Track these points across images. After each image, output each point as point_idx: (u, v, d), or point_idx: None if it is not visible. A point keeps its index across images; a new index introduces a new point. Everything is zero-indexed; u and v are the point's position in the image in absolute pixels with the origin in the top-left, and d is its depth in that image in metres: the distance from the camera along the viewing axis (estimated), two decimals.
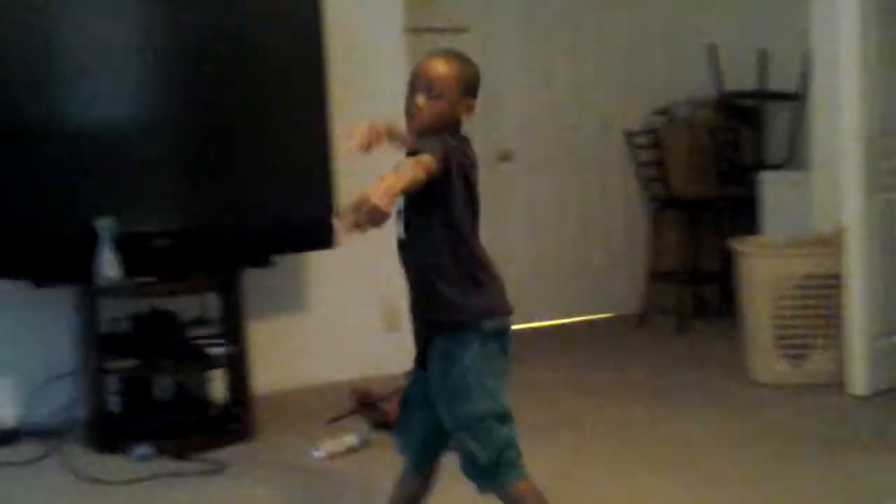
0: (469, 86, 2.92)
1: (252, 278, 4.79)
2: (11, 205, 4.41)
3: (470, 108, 2.93)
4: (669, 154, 6.70)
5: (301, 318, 5.39)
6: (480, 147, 6.41)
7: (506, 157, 6.76)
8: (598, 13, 7.07)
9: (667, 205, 6.74)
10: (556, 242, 7.05)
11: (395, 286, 5.62)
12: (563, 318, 7.03)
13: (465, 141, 2.92)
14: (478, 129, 6.44)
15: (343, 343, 5.53)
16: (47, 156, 4.44)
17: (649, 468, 4.06)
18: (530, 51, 6.87)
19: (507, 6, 6.77)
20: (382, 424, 4.62)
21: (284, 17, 4.94)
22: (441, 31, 6.50)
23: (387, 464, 4.16)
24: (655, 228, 6.84)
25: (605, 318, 7.18)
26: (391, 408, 4.64)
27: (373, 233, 5.34)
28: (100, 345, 4.44)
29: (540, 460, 4.14)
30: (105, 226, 4.38)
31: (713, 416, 4.75)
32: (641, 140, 6.90)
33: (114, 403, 4.58)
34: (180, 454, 4.29)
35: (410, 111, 2.89)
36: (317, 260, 5.36)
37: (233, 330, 4.59)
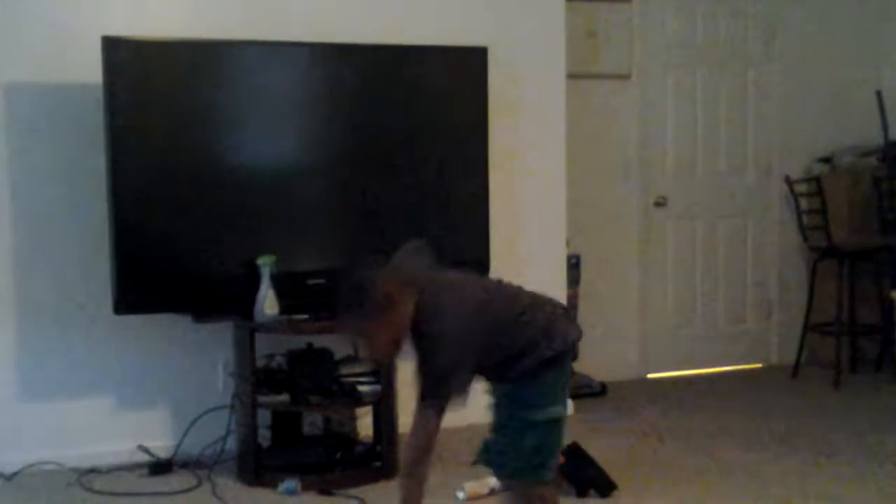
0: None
1: None
2: (177, 241, 4.61)
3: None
4: (831, 202, 6.55)
5: None
6: (635, 193, 6.51)
7: (660, 203, 6.71)
8: (761, 59, 6.97)
9: (826, 254, 6.57)
10: (709, 290, 6.94)
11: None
12: (715, 366, 6.91)
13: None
14: (634, 175, 6.53)
15: None
16: (214, 197, 4.65)
17: None
18: (691, 96, 6.81)
19: (668, 52, 6.73)
20: None
21: (449, 65, 5.06)
22: (602, 77, 6.52)
23: None
24: (814, 278, 6.67)
25: (758, 369, 7.03)
26: None
27: (520, 276, 5.40)
28: (254, 379, 4.57)
29: None
30: (265, 264, 4.54)
31: (869, 471, 4.62)
32: (802, 188, 6.75)
33: (264, 437, 4.70)
34: (325, 490, 4.39)
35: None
36: None
37: (383, 369, 4.66)
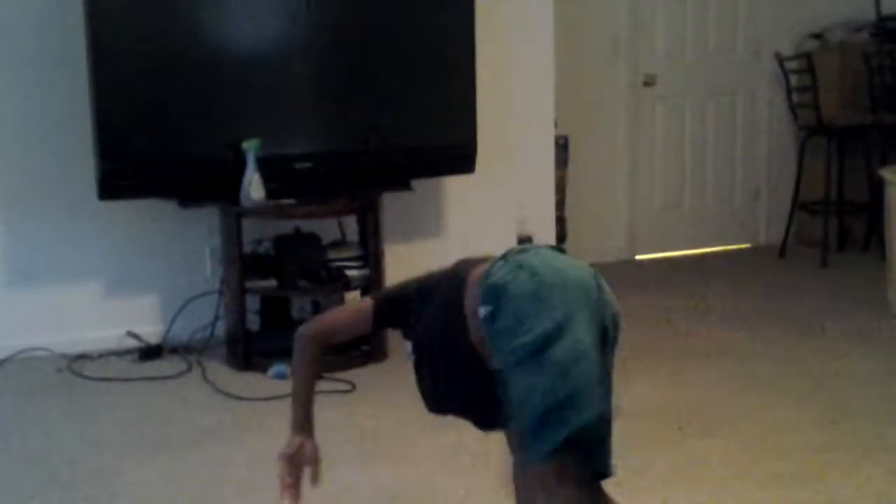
0: None
1: (390, 202, 4.85)
2: (161, 127, 4.54)
3: None
4: (822, 79, 6.48)
5: (437, 242, 5.42)
6: (624, 73, 6.44)
7: (649, 81, 6.63)
8: None
9: (816, 132, 6.53)
10: (698, 169, 6.90)
11: (530, 211, 5.67)
12: (703, 247, 6.93)
13: None
14: (622, 54, 6.45)
15: None
16: (196, 81, 4.57)
17: (787, 401, 4.04)
18: None
19: None
20: None
21: None
22: None
23: None
24: (803, 157, 6.64)
25: (746, 249, 7.05)
26: None
27: (509, 158, 5.39)
28: (241, 265, 4.56)
29: (678, 389, 4.19)
30: (250, 148, 4.48)
31: (853, 351, 4.66)
32: (792, 65, 6.68)
33: (253, 322, 4.71)
34: None
35: None
36: (453, 184, 5.39)
37: (371, 253, 4.66)
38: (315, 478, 2.60)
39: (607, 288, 2.47)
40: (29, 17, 4.66)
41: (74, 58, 4.50)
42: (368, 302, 2.67)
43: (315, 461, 2.61)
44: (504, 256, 2.33)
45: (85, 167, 4.55)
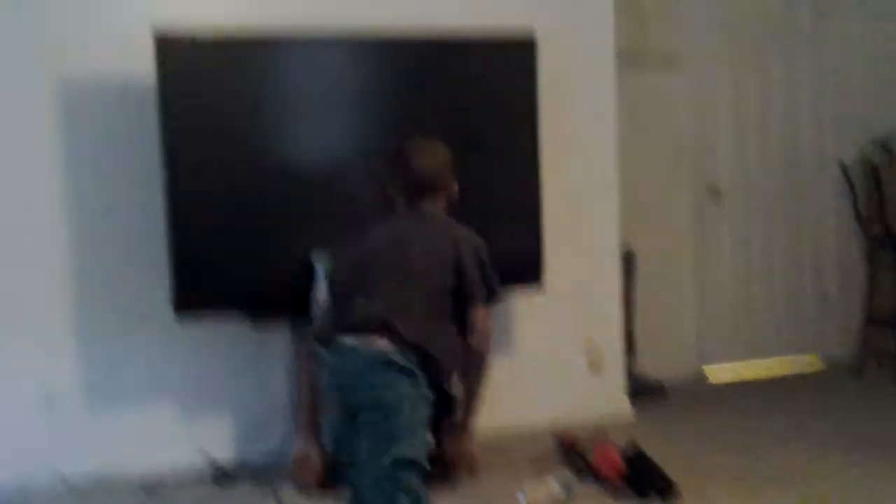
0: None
1: None
2: (234, 240, 4.59)
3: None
4: (888, 189, 6.44)
5: (505, 359, 5.41)
6: (688, 185, 6.44)
7: (715, 195, 6.63)
8: (813, 42, 6.87)
9: (884, 243, 6.48)
10: (766, 282, 6.87)
11: (599, 328, 5.64)
12: (773, 356, 6.84)
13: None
14: (686, 167, 6.46)
15: (547, 385, 5.54)
16: (268, 194, 4.64)
17: None
18: (742, 85, 6.73)
19: (719, 39, 6.65)
20: (585, 472, 4.61)
21: (497, 58, 4.99)
22: (653, 63, 6.44)
23: None
24: (872, 269, 6.57)
25: (819, 367, 6.88)
26: (594, 455, 4.63)
27: (578, 275, 5.37)
28: (314, 382, 4.56)
29: None
30: (320, 260, 4.52)
31: None
32: (858, 175, 6.65)
33: (327, 443, 4.69)
34: None
35: None
36: (522, 301, 5.40)
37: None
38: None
39: None
40: (105, 135, 4.78)
41: (148, 170, 4.61)
42: None
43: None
44: None
45: (159, 287, 4.61)
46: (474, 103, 4.96)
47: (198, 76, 4.51)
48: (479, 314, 3.62)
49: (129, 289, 4.83)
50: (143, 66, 4.47)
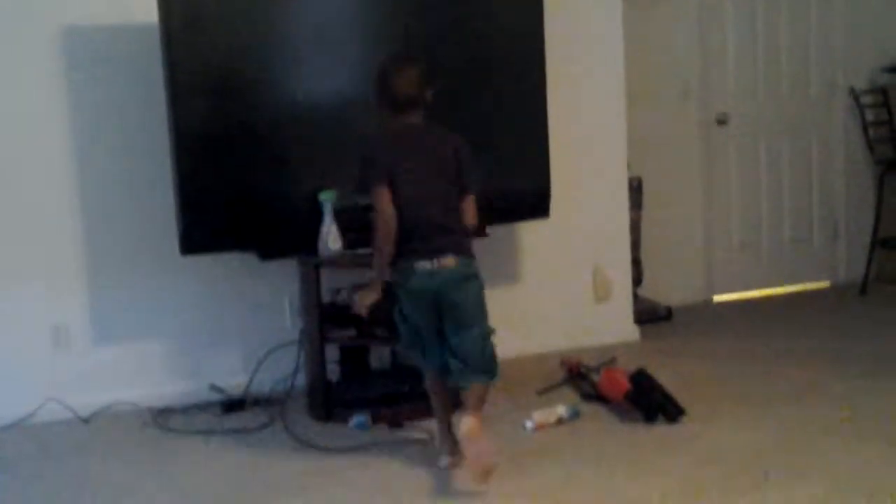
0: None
1: None
2: (239, 179, 4.61)
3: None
4: None
5: (513, 289, 5.45)
6: (696, 112, 6.42)
7: (722, 120, 6.60)
8: None
9: (893, 166, 6.46)
10: (773, 208, 6.84)
11: (606, 256, 5.66)
12: (781, 286, 6.86)
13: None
14: (693, 94, 6.44)
15: (554, 313, 5.57)
16: (273, 132, 4.64)
17: (875, 443, 3.97)
18: (749, 10, 6.67)
19: None
20: (592, 396, 4.65)
21: None
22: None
23: (596, 435, 4.24)
24: (881, 193, 6.56)
25: (826, 288, 6.94)
26: (601, 379, 4.67)
27: (582, 203, 5.40)
28: (320, 315, 4.60)
29: (761, 432, 4.15)
30: (327, 199, 4.54)
31: None
32: (868, 99, 6.62)
33: (333, 372, 4.75)
34: (395, 422, 4.44)
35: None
36: (528, 230, 5.41)
37: None
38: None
39: None
40: (110, 79, 4.78)
41: (153, 113, 4.60)
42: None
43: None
44: None
45: (165, 223, 4.65)
46: (482, 39, 4.94)
47: (200, 17, 4.48)
48: (473, 203, 3.97)
49: (136, 228, 4.86)
50: (144, 10, 4.47)
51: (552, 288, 5.57)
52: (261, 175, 4.64)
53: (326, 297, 4.70)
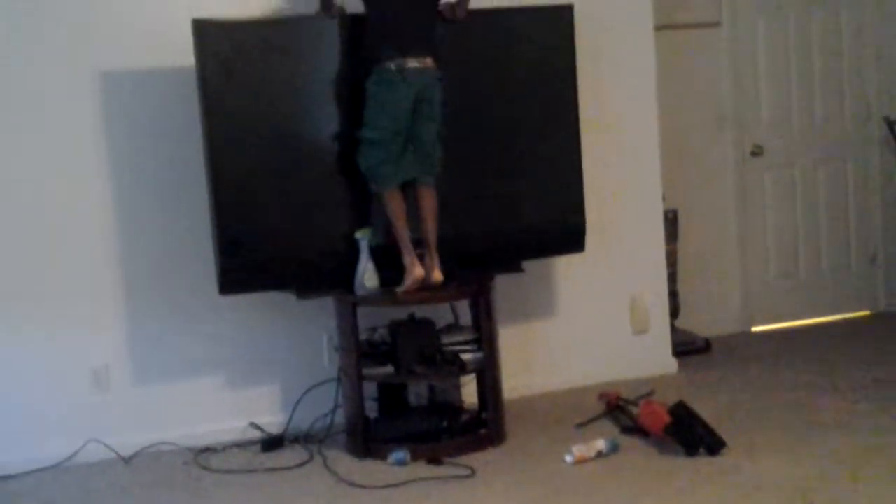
0: None
1: (502, 284, 4.88)
2: (277, 219, 4.65)
3: None
4: None
5: (550, 323, 5.45)
6: (730, 143, 6.39)
7: (757, 152, 6.58)
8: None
9: None
10: (810, 238, 6.79)
11: (643, 288, 5.65)
12: (820, 316, 6.79)
13: None
14: (727, 125, 6.42)
15: (591, 346, 5.55)
16: (310, 172, 4.68)
17: None
18: (782, 43, 6.66)
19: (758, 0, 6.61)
20: (632, 429, 4.63)
21: (536, 25, 5.01)
22: (690, 27, 6.40)
23: (637, 468, 4.21)
24: None
25: (865, 317, 6.87)
26: (641, 412, 4.65)
27: (618, 236, 5.38)
28: (358, 352, 4.62)
29: (802, 463, 4.11)
30: (363, 237, 4.58)
31: None
32: None
33: (371, 409, 4.75)
34: (434, 459, 4.43)
35: None
36: (564, 263, 5.40)
37: (485, 336, 4.68)
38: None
39: None
40: (148, 123, 4.84)
41: (191, 155, 4.64)
42: None
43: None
44: None
45: (204, 263, 4.67)
46: (515, 70, 4.97)
47: (235, 59, 4.54)
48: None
49: (175, 268, 4.88)
50: (181, 55, 4.53)
51: (589, 321, 5.55)
52: (297, 215, 4.68)
53: (364, 335, 4.72)
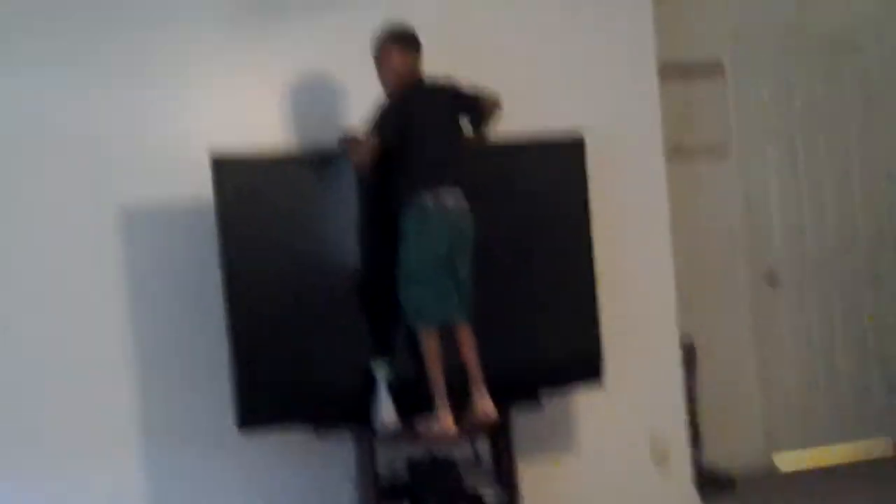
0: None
1: (520, 419, 4.83)
2: (294, 354, 4.59)
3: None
4: None
5: (568, 458, 5.37)
6: (744, 270, 6.37)
7: (772, 280, 6.58)
8: (862, 125, 6.87)
9: None
10: (829, 369, 6.78)
11: (662, 420, 5.58)
12: (842, 441, 6.72)
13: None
14: (742, 256, 6.43)
15: (612, 480, 5.45)
16: (326, 306, 4.65)
17: None
18: (793, 168, 6.72)
19: (766, 126, 6.68)
20: None
21: (550, 163, 5.02)
22: (699, 153, 6.46)
23: None
24: None
25: (887, 448, 6.77)
26: None
27: (636, 369, 5.31)
28: (376, 491, 4.54)
29: None
30: (380, 369, 4.54)
31: None
32: None
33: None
34: None
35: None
36: (581, 398, 5.33)
37: (504, 473, 4.62)
38: None
39: None
40: (166, 259, 4.84)
41: (208, 290, 4.63)
42: None
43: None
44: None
45: (221, 401, 4.63)
46: (529, 203, 4.97)
47: (252, 194, 4.56)
48: (489, 102, 4.54)
49: (191, 405, 4.83)
50: (198, 190, 4.57)
51: (610, 455, 5.46)
52: (316, 348, 4.62)
53: (383, 470, 4.63)
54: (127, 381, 4.80)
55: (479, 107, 4.54)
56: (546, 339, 4.96)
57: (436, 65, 4.57)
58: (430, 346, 4.42)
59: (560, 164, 5.05)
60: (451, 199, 4.38)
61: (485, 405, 4.44)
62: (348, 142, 4.51)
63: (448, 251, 4.39)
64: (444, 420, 4.38)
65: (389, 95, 4.46)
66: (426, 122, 4.42)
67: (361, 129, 4.46)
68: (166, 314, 4.84)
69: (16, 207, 4.66)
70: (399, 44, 4.49)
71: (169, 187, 4.80)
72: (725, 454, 6.18)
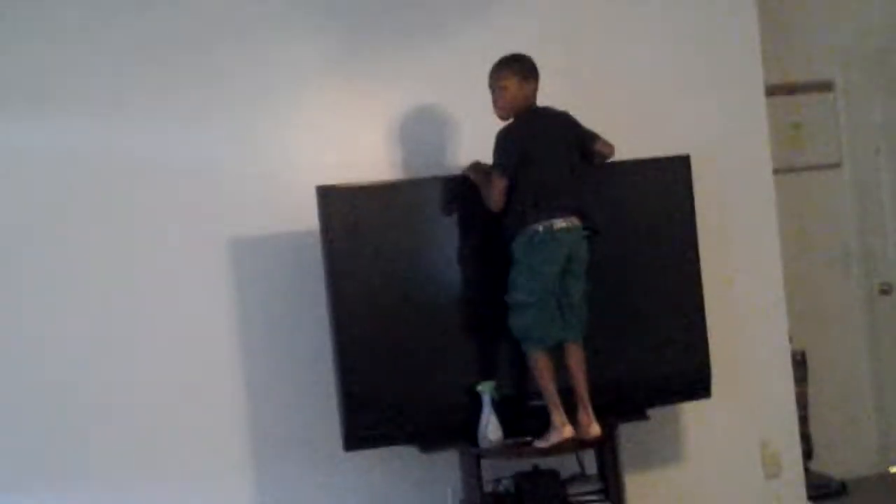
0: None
1: (628, 430, 4.85)
2: (400, 374, 4.69)
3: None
4: None
5: (678, 469, 5.36)
6: (858, 282, 6.28)
7: (886, 290, 6.48)
8: None
9: None
10: None
11: (774, 431, 5.54)
12: None
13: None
14: (855, 264, 6.34)
15: (722, 492, 5.43)
16: (432, 328, 4.74)
17: None
18: None
19: (878, 136, 6.59)
20: None
21: (657, 181, 5.06)
22: (810, 168, 6.41)
23: None
24: None
25: None
26: None
27: (745, 379, 5.27)
28: None
29: None
30: (485, 390, 4.61)
31: None
32: None
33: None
34: None
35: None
36: (691, 408, 5.32)
37: (611, 486, 4.63)
38: None
39: None
40: (275, 288, 4.97)
41: (315, 316, 4.76)
42: None
43: None
44: None
45: (328, 420, 4.74)
46: (636, 221, 5.02)
47: (359, 222, 4.67)
48: (605, 143, 4.63)
49: (300, 425, 4.95)
50: (304, 221, 4.70)
51: (719, 466, 5.44)
52: (421, 370, 4.72)
53: (488, 487, 4.69)
54: (237, 404, 4.94)
55: (594, 144, 4.60)
56: (654, 355, 4.97)
57: (551, 95, 4.63)
58: (542, 367, 4.48)
59: (667, 182, 5.07)
60: (563, 224, 4.41)
61: (590, 425, 4.49)
62: (478, 173, 4.63)
63: (560, 275, 4.44)
64: (564, 429, 4.45)
65: (506, 125, 4.53)
66: (540, 148, 4.46)
67: (485, 164, 4.56)
68: (274, 339, 4.97)
69: (135, 237, 4.84)
70: (518, 72, 4.52)
71: (275, 218, 4.93)
72: (838, 464, 6.09)
